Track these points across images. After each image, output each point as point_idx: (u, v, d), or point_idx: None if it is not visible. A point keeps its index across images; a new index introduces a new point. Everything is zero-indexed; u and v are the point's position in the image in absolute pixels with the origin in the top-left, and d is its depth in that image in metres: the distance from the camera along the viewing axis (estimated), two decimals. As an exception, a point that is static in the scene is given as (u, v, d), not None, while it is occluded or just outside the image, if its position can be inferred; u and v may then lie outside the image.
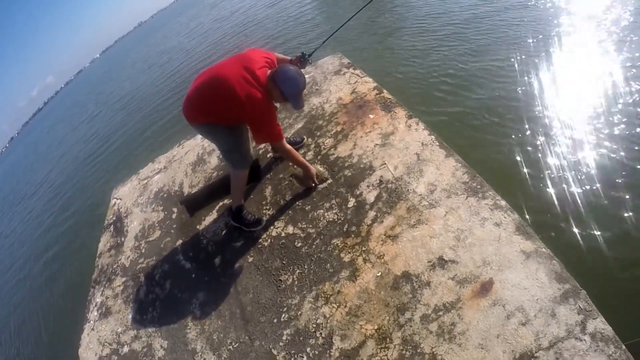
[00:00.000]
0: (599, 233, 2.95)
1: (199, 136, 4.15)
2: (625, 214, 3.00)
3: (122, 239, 3.46)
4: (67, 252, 7.18)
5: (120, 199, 4.01)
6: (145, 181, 4.03)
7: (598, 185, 3.27)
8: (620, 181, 3.23)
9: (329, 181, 2.78)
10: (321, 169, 2.86)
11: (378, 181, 2.60)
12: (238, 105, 2.26)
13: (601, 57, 4.69)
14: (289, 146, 2.54)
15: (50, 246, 8.01)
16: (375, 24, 8.29)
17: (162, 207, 3.53)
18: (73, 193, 10.36)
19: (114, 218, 3.79)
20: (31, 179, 15.92)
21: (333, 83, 3.80)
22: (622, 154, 3.43)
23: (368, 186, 2.60)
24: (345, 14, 9.39)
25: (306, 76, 4.09)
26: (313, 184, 2.74)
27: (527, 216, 3.19)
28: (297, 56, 2.85)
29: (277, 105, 2.53)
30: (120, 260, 3.25)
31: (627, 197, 3.10)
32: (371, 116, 3.18)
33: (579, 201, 3.23)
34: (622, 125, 3.69)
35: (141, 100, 14.21)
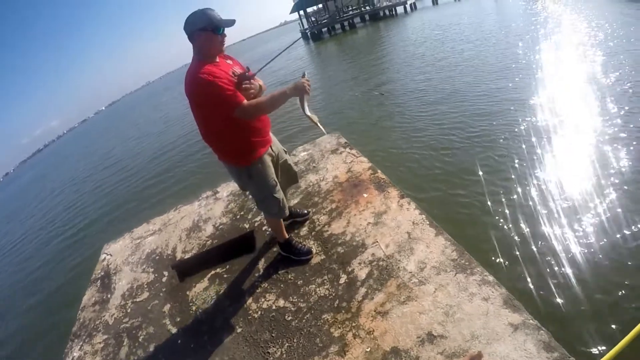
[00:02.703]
0: (586, 302, 3.09)
1: (196, 202, 4.27)
2: (613, 283, 3.15)
3: (108, 296, 3.42)
4: (48, 302, 6.93)
5: (111, 255, 4.01)
6: (139, 241, 4.07)
7: (586, 257, 3.49)
8: (605, 256, 3.43)
9: (319, 256, 2.85)
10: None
11: (370, 259, 2.69)
12: (192, 96, 2.18)
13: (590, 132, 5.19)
14: (253, 101, 2.26)
15: (31, 295, 7.73)
16: (375, 107, 8.87)
17: (152, 269, 3.54)
18: (57, 244, 10.18)
19: (102, 273, 3.77)
20: (18, 226, 15.65)
21: (330, 161, 4.02)
22: (610, 225, 3.70)
23: (360, 263, 2.69)
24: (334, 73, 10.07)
25: (304, 154, 4.35)
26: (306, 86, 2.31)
27: (515, 289, 3.24)
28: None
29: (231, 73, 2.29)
30: (104, 316, 3.19)
31: (614, 268, 3.29)
32: (365, 195, 3.35)
33: (566, 272, 3.41)
34: (607, 202, 4.01)
35: (137, 161, 14.49)
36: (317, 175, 3.91)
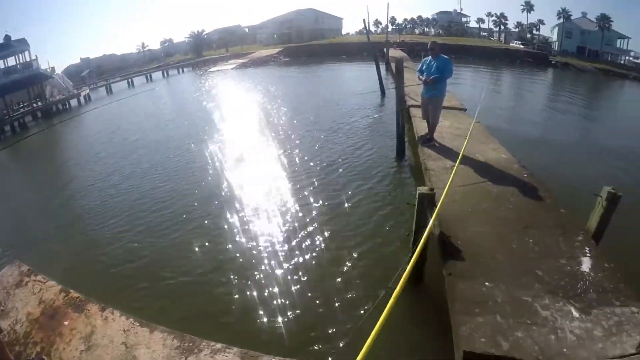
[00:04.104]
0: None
1: None
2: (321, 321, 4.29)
3: None
4: None
5: None
6: None
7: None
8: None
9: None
10: None
11: (97, 388, 2.69)
12: None
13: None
14: None
15: None
16: (60, 220, 8.01)
17: None
18: None
19: None
20: None
21: (17, 298, 3.66)
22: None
23: (89, 397, 2.66)
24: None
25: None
26: None
27: (250, 341, 3.61)
28: None
29: None
30: None
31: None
32: (66, 323, 3.27)
33: (280, 307, 4.46)
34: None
35: None
36: (9, 319, 3.46)
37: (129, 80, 44.79)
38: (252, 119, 15.02)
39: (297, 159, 9.47)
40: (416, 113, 8.67)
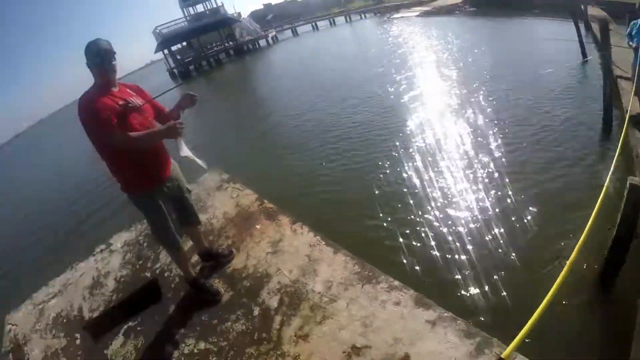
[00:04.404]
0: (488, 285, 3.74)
1: (92, 257, 3.91)
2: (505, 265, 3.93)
3: (24, 368, 2.82)
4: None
5: (16, 325, 3.35)
6: (41, 306, 3.51)
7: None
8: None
9: (227, 293, 2.83)
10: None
11: (277, 287, 2.79)
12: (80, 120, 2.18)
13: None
14: (126, 133, 2.20)
15: None
16: (255, 140, 9.00)
17: (63, 334, 3.07)
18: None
19: (12, 345, 3.12)
20: None
21: (217, 199, 4.02)
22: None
23: (269, 293, 2.76)
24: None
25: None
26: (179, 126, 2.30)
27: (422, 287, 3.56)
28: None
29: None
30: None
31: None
32: (258, 226, 3.46)
33: (464, 262, 4.10)
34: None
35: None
36: (207, 213, 3.87)
37: (314, 23, 47.68)
38: (449, 69, 13.61)
39: (497, 119, 8.16)
40: (625, 86, 6.94)
